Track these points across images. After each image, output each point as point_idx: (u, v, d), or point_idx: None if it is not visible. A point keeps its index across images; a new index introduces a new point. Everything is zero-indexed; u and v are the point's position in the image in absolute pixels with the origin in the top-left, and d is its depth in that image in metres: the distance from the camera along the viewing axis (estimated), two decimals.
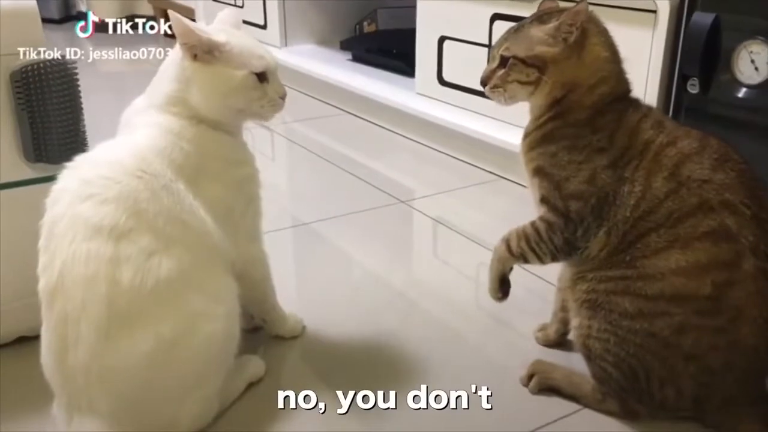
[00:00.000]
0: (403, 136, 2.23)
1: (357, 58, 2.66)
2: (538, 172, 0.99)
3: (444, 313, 1.33)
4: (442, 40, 2.04)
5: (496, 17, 1.83)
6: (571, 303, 1.01)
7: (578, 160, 0.95)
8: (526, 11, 1.64)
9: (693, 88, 1.34)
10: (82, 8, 4.05)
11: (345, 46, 2.75)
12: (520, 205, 1.76)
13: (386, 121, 2.30)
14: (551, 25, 0.95)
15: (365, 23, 2.85)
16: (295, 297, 1.34)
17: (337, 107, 2.55)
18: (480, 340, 1.25)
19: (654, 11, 1.42)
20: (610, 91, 0.97)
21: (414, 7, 2.17)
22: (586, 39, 0.95)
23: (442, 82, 2.08)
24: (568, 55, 0.95)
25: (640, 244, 0.92)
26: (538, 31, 0.96)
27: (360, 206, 1.77)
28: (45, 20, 3.86)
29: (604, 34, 0.98)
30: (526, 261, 1.03)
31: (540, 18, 0.98)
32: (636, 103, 0.99)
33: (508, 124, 1.85)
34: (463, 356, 1.19)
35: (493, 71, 1.00)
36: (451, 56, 2.04)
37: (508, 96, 1.00)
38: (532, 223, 1.01)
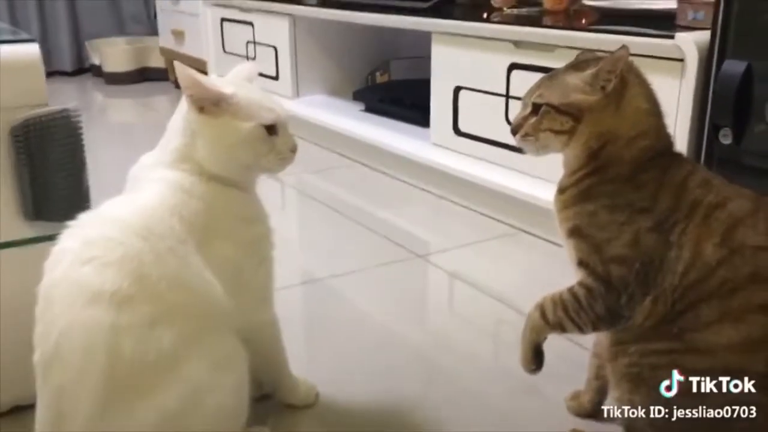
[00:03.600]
0: (418, 188, 2.18)
1: (370, 109, 2.63)
2: (575, 232, 0.92)
3: (467, 376, 1.25)
4: (457, 89, 2.01)
5: (513, 67, 1.79)
6: (611, 375, 0.93)
7: (620, 221, 0.88)
8: (546, 61, 1.60)
9: (725, 138, 1.28)
10: (95, 61, 4.08)
11: (358, 96, 2.73)
12: (542, 260, 1.71)
13: (400, 172, 2.26)
14: (589, 72, 0.89)
15: (378, 73, 2.84)
16: (307, 361, 1.26)
17: (349, 158, 2.51)
18: (507, 407, 1.16)
19: (681, 60, 1.37)
20: (651, 146, 0.90)
21: (427, 57, 2.14)
22: (626, 89, 0.89)
23: (458, 132, 2.04)
24: (605, 104, 0.89)
25: (690, 315, 0.84)
26: (574, 78, 0.91)
27: (374, 261, 1.70)
28: (58, 72, 3.87)
29: (644, 85, 0.92)
30: (563, 330, 0.95)
31: (576, 66, 0.92)
32: (680, 159, 0.93)
33: (527, 175, 1.80)
34: (489, 423, 1.11)
35: (525, 119, 0.94)
36: (467, 106, 2.00)
37: (540, 145, 0.94)
38: (570, 289, 0.93)
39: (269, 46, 2.89)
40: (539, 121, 0.92)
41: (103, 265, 0.82)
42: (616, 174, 0.90)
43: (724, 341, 0.82)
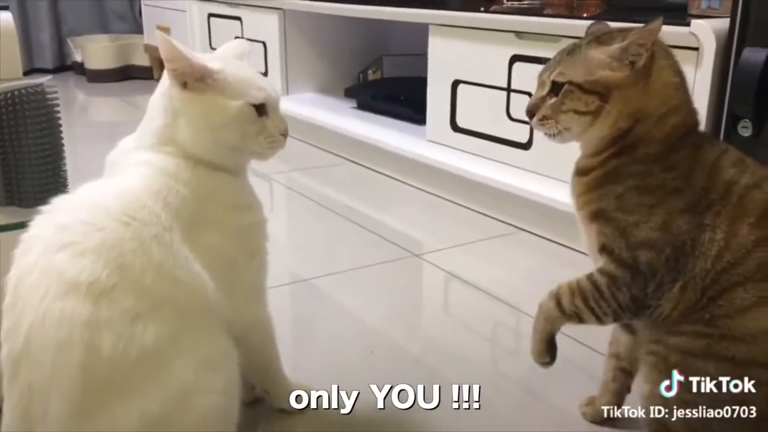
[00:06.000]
0: (413, 186, 2.11)
1: (362, 106, 2.56)
2: (599, 216, 0.85)
3: (465, 382, 1.17)
4: (456, 83, 1.94)
5: (516, 59, 1.72)
6: (641, 363, 0.87)
7: (649, 203, 0.81)
8: (550, 52, 1.52)
9: (745, 130, 1.22)
10: (77, 58, 3.98)
11: (350, 93, 2.66)
12: (543, 260, 1.64)
13: (394, 170, 2.18)
14: (616, 46, 0.82)
15: (370, 71, 2.77)
16: (296, 364, 1.18)
17: (341, 156, 2.43)
18: (513, 416, 1.09)
19: (696, 49, 1.31)
20: (682, 122, 0.84)
21: (421, 55, 2.07)
22: (653, 62, 0.82)
23: (456, 128, 1.97)
24: (634, 80, 0.82)
25: (722, 301, 0.78)
26: (600, 53, 0.83)
27: (367, 260, 1.62)
28: (39, 70, 3.74)
29: (671, 57, 0.85)
30: (580, 321, 0.87)
31: (599, 39, 0.85)
32: (710, 138, 0.87)
33: (528, 172, 1.74)
34: None
35: (543, 99, 0.87)
36: (465, 101, 1.93)
37: (561, 128, 0.86)
38: (590, 277, 0.86)
39: (258, 41, 2.81)
40: (561, 102, 0.85)
41: (80, 253, 0.74)
42: (645, 154, 0.83)
43: (764, 326, 0.77)
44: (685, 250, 0.80)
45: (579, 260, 1.53)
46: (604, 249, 0.85)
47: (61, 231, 0.76)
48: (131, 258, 0.76)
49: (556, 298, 0.88)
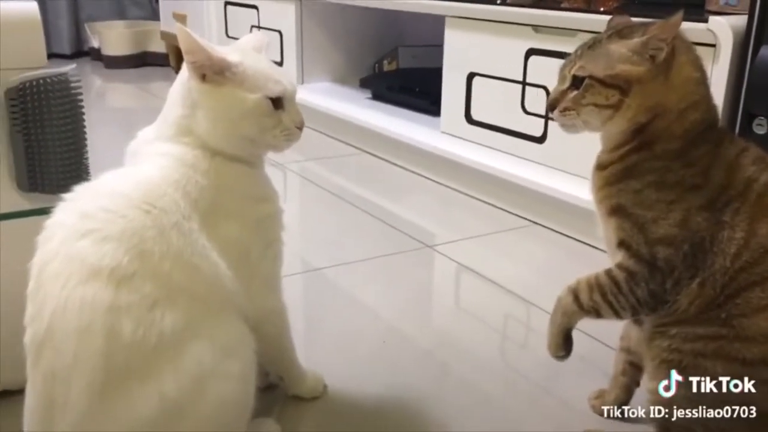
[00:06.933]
0: (426, 178, 2.12)
1: (377, 97, 2.57)
2: (618, 211, 0.85)
3: (476, 373, 1.19)
4: (471, 76, 1.94)
5: (531, 52, 1.72)
6: (646, 361, 0.87)
7: (668, 199, 0.82)
8: (566, 46, 1.53)
9: (760, 128, 1.22)
10: (94, 44, 4.00)
11: (365, 83, 2.66)
12: (556, 254, 1.65)
13: (408, 161, 2.19)
14: (637, 40, 0.82)
15: (385, 62, 2.77)
16: (308, 353, 1.19)
17: (355, 147, 2.44)
18: (522, 409, 1.10)
19: (713, 45, 1.31)
20: (702, 118, 0.84)
21: (437, 46, 2.07)
22: (674, 57, 0.83)
23: (470, 120, 1.97)
24: (655, 74, 0.82)
25: (739, 300, 0.79)
26: (621, 47, 0.83)
27: (380, 251, 1.63)
28: (56, 55, 3.75)
29: (692, 51, 0.85)
30: (598, 316, 0.88)
31: (620, 33, 0.85)
32: (730, 135, 0.87)
33: (542, 165, 1.74)
34: (503, 427, 1.05)
35: (564, 93, 0.87)
36: (480, 93, 1.93)
37: (581, 120, 0.87)
38: (608, 272, 0.87)
39: (274, 30, 2.82)
40: (581, 95, 0.85)
41: (102, 239, 0.76)
42: (664, 150, 0.84)
43: None
44: (703, 246, 0.81)
45: (592, 254, 1.54)
46: (622, 244, 0.86)
47: (84, 218, 0.78)
48: (151, 245, 0.77)
49: (574, 292, 0.89)
